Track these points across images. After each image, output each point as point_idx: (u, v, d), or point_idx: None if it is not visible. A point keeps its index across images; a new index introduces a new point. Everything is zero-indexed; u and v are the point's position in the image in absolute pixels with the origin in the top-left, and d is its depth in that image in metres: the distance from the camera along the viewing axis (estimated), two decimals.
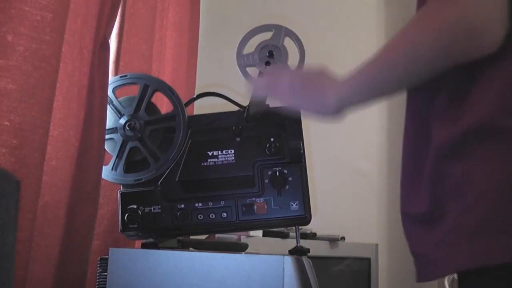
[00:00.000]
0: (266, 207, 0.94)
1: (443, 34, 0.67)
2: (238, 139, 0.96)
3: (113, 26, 1.16)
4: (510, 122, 0.68)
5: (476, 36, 0.66)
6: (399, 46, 0.72)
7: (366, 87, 0.76)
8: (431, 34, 0.69)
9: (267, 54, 0.98)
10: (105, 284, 0.90)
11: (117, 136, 1.00)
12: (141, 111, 0.99)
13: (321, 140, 2.09)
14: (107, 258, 0.91)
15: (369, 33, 2.27)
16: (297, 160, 0.94)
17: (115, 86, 1.04)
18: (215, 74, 2.02)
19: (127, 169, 0.98)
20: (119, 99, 1.02)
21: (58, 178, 1.00)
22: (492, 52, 0.66)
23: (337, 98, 0.78)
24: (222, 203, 0.95)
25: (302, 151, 0.95)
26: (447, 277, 1.64)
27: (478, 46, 0.66)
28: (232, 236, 1.40)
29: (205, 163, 0.96)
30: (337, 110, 0.79)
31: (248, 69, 0.98)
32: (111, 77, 1.09)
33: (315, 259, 0.91)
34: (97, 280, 0.92)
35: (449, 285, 1.63)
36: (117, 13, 1.16)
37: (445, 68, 0.70)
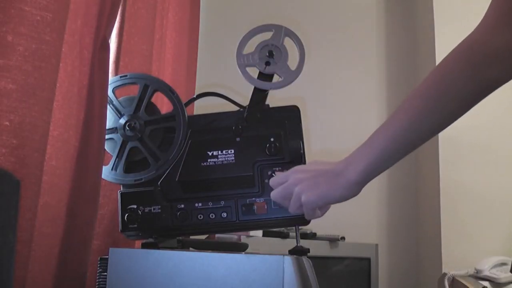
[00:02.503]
0: (266, 207, 0.94)
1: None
2: (238, 139, 0.96)
3: (113, 26, 1.16)
4: None
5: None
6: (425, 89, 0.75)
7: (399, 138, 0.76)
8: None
9: (267, 54, 0.98)
10: (105, 284, 0.90)
11: (117, 136, 1.00)
12: (141, 111, 0.99)
13: (321, 139, 2.09)
14: (107, 258, 0.91)
15: (369, 33, 2.27)
16: (297, 160, 0.94)
17: (115, 86, 1.04)
18: (215, 74, 2.02)
19: (127, 169, 0.98)
20: (119, 99, 1.02)
21: (58, 178, 1.00)
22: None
23: (357, 171, 0.78)
24: (222, 203, 0.95)
25: (302, 151, 0.95)
26: (447, 276, 1.63)
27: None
28: (232, 236, 1.40)
29: (205, 163, 0.96)
30: (359, 183, 0.78)
31: (248, 69, 0.98)
32: (111, 77, 1.09)
33: (315, 259, 0.91)
34: (97, 280, 0.92)
35: (449, 285, 1.62)
36: (117, 13, 1.16)
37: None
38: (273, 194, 0.86)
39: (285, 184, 0.84)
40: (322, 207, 0.85)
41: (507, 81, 0.71)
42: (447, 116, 0.74)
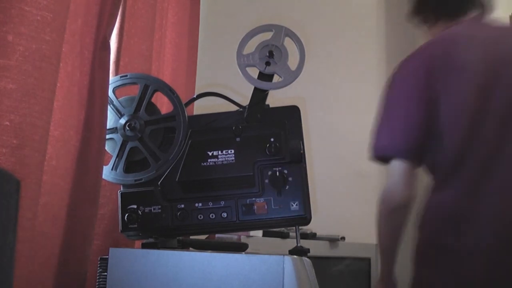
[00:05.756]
0: (266, 207, 0.94)
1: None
2: (238, 139, 0.96)
3: (113, 26, 1.15)
4: None
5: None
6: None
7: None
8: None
9: (267, 54, 0.98)
10: (105, 284, 0.90)
11: (117, 136, 1.00)
12: (141, 111, 0.99)
13: (321, 140, 2.09)
14: (107, 258, 0.91)
15: (369, 33, 2.27)
16: (297, 160, 0.94)
17: (115, 86, 1.04)
18: (215, 74, 2.02)
19: (127, 169, 0.98)
20: (119, 99, 1.02)
21: (58, 178, 1.00)
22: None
23: None
24: (222, 203, 0.95)
25: (302, 151, 0.95)
26: None
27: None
28: (232, 236, 1.40)
29: (205, 163, 0.96)
30: None
31: (248, 69, 0.98)
32: (111, 77, 1.09)
33: (315, 259, 0.91)
34: (97, 280, 0.92)
35: None
36: (117, 13, 1.16)
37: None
38: None
39: None
40: None
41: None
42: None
